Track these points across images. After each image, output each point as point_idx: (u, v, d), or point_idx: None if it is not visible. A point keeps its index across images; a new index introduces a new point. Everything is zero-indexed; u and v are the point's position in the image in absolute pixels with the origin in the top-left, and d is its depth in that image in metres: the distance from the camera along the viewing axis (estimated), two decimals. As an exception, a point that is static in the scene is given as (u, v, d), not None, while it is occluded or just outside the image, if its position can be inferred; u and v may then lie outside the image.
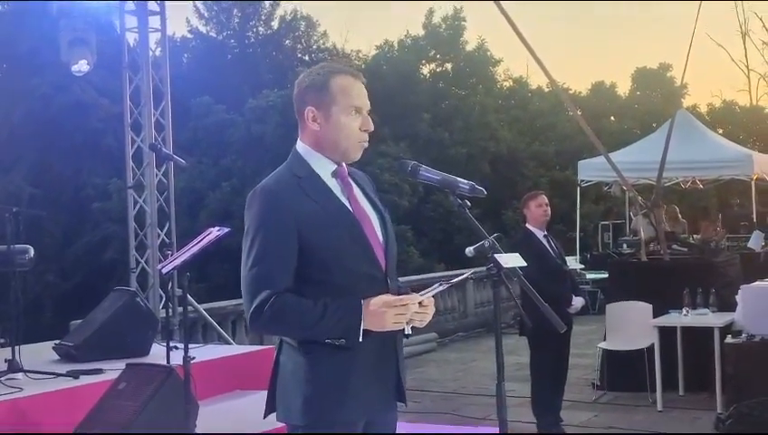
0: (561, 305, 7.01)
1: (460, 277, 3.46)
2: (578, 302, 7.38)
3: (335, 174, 2.99)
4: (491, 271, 2.86)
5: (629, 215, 17.59)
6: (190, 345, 5.31)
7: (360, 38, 63.84)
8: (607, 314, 9.33)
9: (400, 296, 2.86)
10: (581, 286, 11.11)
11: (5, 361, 5.99)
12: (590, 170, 15.94)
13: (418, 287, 2.96)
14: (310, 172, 2.95)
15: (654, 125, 25.11)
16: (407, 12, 60.72)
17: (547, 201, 7.43)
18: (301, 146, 3.01)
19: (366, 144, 3.00)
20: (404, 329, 2.92)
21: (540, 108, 32.88)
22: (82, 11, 8.85)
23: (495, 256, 2.86)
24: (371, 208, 3.03)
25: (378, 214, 3.04)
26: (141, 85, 9.29)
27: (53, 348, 6.95)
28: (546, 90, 33.37)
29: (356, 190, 3.02)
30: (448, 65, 33.84)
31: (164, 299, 9.19)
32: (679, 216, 15.30)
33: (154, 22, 9.47)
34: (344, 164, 3.01)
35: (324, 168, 2.98)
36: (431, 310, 2.92)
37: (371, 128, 2.99)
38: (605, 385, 9.17)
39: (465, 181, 2.94)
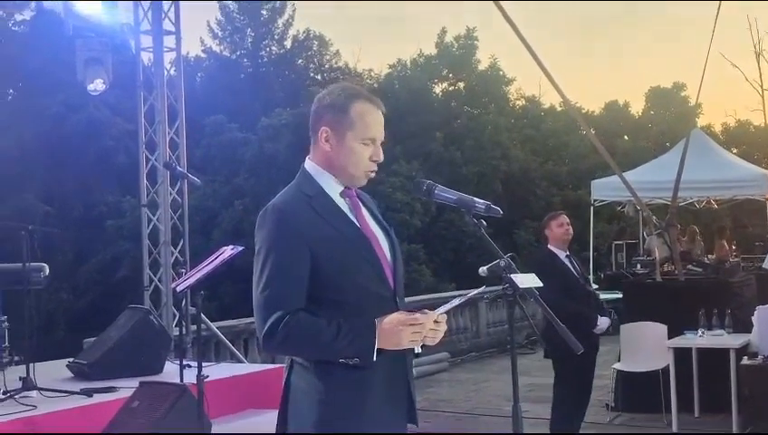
0: (586, 326, 6.97)
1: (475, 292, 3.43)
2: (603, 322, 7.30)
3: (344, 194, 2.98)
4: (506, 291, 2.84)
5: (643, 235, 17.52)
6: (203, 364, 5.31)
7: (372, 57, 64.07)
8: (621, 334, 9.28)
9: (415, 315, 2.85)
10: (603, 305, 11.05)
11: (20, 378, 5.99)
12: (604, 190, 15.87)
13: (427, 306, 2.93)
14: (319, 191, 2.94)
15: (668, 144, 25.08)
16: (419, 31, 60.97)
17: (568, 221, 7.38)
18: (310, 164, 3.00)
19: (373, 174, 2.99)
20: (414, 347, 2.90)
21: (552, 127, 32.88)
22: (98, 31, 8.90)
23: (511, 276, 2.84)
24: (379, 228, 3.02)
25: (385, 234, 3.03)
26: (156, 104, 9.34)
27: (67, 366, 6.95)
28: (559, 109, 33.40)
29: (364, 210, 3.02)
30: (461, 84, 33.92)
31: (177, 317, 9.19)
32: (698, 236, 15.22)
33: (169, 41, 9.52)
34: None
35: (333, 187, 2.96)
36: (443, 327, 2.89)
37: (381, 159, 2.97)
38: (620, 406, 9.11)
39: (482, 201, 2.92)
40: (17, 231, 6.06)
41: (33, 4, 32.96)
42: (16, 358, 7.62)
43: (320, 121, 2.96)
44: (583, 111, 34.30)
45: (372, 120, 2.94)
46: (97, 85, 8.94)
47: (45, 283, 6.34)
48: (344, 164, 2.93)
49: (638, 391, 8.89)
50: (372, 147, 2.94)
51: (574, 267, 7.34)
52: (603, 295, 15.63)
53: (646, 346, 8.87)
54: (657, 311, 9.12)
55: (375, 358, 2.78)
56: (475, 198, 2.93)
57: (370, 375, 2.82)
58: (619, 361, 9.16)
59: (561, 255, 7.31)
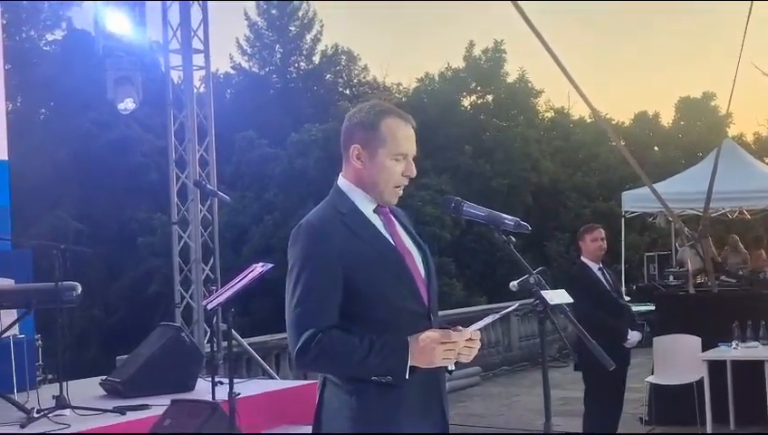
0: (617, 340, 6.93)
1: (508, 309, 3.41)
2: (634, 336, 7.27)
3: (377, 210, 2.97)
4: (537, 308, 2.83)
5: (675, 245, 17.39)
6: (234, 380, 5.32)
7: (400, 71, 64.12)
8: (654, 347, 9.21)
9: (448, 332, 2.84)
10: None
11: (53, 397, 6.04)
12: (635, 201, 15.78)
13: (459, 321, 2.93)
14: (352, 208, 2.93)
15: (699, 155, 24.86)
16: (447, 44, 61.01)
17: (603, 235, 7.35)
18: (343, 182, 3.00)
19: (401, 191, 2.98)
20: (447, 364, 2.89)
21: (582, 139, 32.73)
22: (128, 50, 8.98)
23: (542, 292, 2.83)
24: (413, 244, 3.01)
25: (419, 249, 3.02)
26: (186, 122, 9.40)
27: (100, 384, 7.00)
28: (588, 120, 33.24)
29: (397, 226, 3.01)
30: (489, 97, 33.86)
31: (208, 334, 9.22)
32: (740, 245, 15.08)
33: (198, 60, 9.58)
34: None
35: (366, 204, 2.96)
36: (477, 344, 2.88)
37: (413, 174, 2.97)
38: (653, 420, 9.03)
39: (510, 217, 2.91)
40: (50, 250, 6.12)
41: (63, 24, 33.53)
42: (50, 376, 7.70)
43: (351, 139, 2.96)
44: (613, 123, 34.12)
45: (403, 136, 2.94)
46: (127, 104, 9.02)
47: (78, 301, 6.37)
48: (376, 181, 2.93)
49: (672, 404, 8.81)
50: (404, 162, 2.94)
51: (607, 280, 7.31)
52: (636, 308, 15.53)
53: (679, 359, 8.80)
54: (690, 323, 9.04)
55: (408, 376, 2.78)
56: (504, 215, 2.92)
57: (403, 393, 2.81)
58: (652, 374, 9.09)
59: (594, 267, 7.28)
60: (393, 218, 3.01)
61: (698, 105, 37.00)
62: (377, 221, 2.95)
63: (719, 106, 35.39)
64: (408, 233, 3.04)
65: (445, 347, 2.78)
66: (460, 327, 2.87)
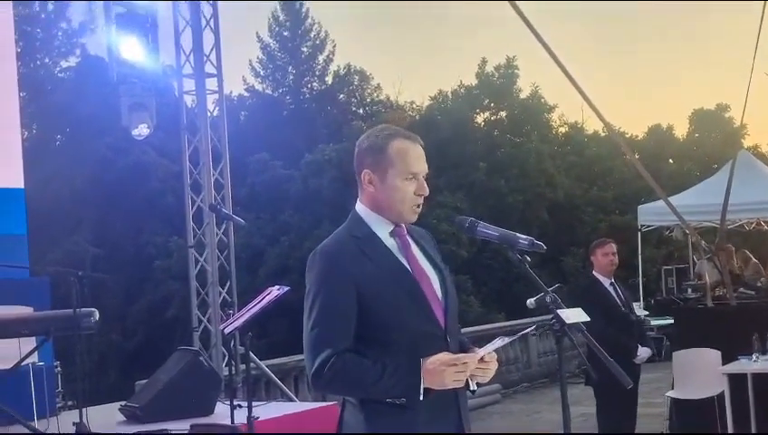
0: (625, 356, 6.90)
1: (522, 332, 3.42)
2: (644, 352, 7.24)
3: (393, 233, 3.00)
4: (554, 326, 2.84)
5: (693, 258, 17.31)
6: (253, 403, 5.33)
7: (413, 89, 64.30)
8: (674, 361, 9.15)
9: (458, 355, 2.86)
10: (647, 333, 10.93)
11: (73, 424, 6.03)
12: (651, 215, 15.74)
13: (476, 338, 2.95)
14: (368, 232, 2.97)
15: (714, 166, 24.78)
16: (459, 62, 61.20)
17: (615, 250, 7.33)
18: (360, 207, 3.04)
19: (419, 208, 3.01)
20: (469, 385, 2.92)
21: (597, 153, 32.66)
22: (141, 76, 9.04)
23: (558, 311, 2.83)
24: (430, 267, 3.04)
25: (437, 272, 3.04)
26: (200, 146, 9.44)
27: (120, 410, 6.99)
28: (602, 134, 33.21)
29: (414, 249, 3.03)
30: (503, 113, 33.87)
31: (226, 357, 9.23)
32: (752, 258, 14.97)
33: (211, 84, 9.65)
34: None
35: (383, 228, 3.00)
36: (494, 365, 2.92)
37: (426, 192, 3.00)
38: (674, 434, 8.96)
39: (525, 236, 2.92)
40: (67, 277, 6.14)
41: (78, 50, 33.80)
42: (69, 403, 7.70)
43: (361, 165, 3.01)
44: (627, 136, 34.02)
45: (411, 156, 2.97)
46: (141, 130, 9.08)
47: (96, 327, 6.38)
48: (390, 202, 2.96)
49: (693, 419, 8.74)
50: (415, 182, 2.97)
51: (618, 295, 7.28)
52: (654, 321, 15.56)
53: (699, 373, 8.74)
54: (709, 336, 8.98)
55: (422, 397, 2.79)
56: (518, 234, 2.93)
57: (418, 414, 2.84)
58: (672, 388, 9.03)
59: (606, 282, 7.27)
60: (411, 241, 3.04)
61: (712, 117, 36.88)
62: (392, 245, 2.99)
63: (733, 117, 35.29)
64: (427, 255, 3.06)
65: (454, 369, 2.81)
66: (475, 348, 2.89)
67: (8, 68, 8.09)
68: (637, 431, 7.65)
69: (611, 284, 7.30)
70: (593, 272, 7.40)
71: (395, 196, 2.96)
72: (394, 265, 2.95)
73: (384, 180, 2.96)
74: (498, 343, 2.98)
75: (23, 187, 8.30)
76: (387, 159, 2.96)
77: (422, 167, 3.00)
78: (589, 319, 2.94)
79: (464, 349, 2.99)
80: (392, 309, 2.87)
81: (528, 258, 2.91)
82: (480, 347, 2.97)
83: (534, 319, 12.92)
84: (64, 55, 34.45)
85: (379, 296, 2.87)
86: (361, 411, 2.89)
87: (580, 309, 2.96)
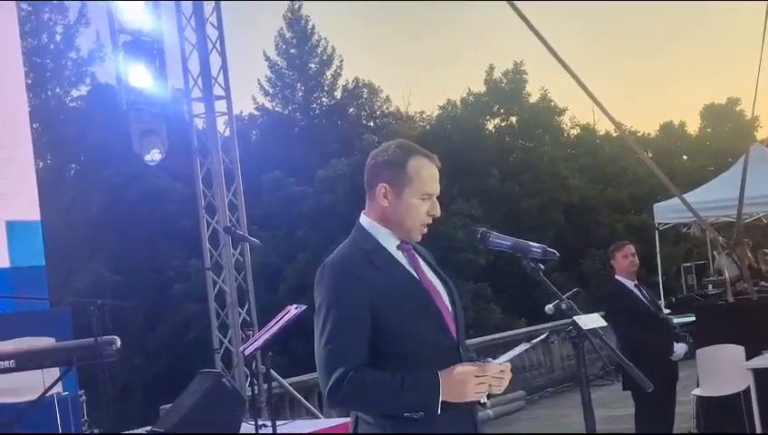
0: (662, 355, 6.86)
1: (539, 338, 3.40)
2: (680, 348, 7.17)
3: (400, 247, 2.99)
4: (571, 333, 2.83)
5: (712, 254, 17.21)
6: (278, 422, 5.34)
7: (422, 100, 64.44)
8: (698, 359, 9.09)
9: (483, 365, 2.85)
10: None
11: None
12: (667, 212, 15.67)
13: (495, 347, 2.94)
14: (376, 245, 2.95)
15: (729, 160, 24.71)
16: (467, 69, 61.21)
17: (634, 251, 7.28)
18: (365, 220, 3.02)
19: (426, 230, 2.99)
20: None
21: (609, 153, 32.63)
22: (150, 102, 9.08)
23: (575, 317, 2.82)
24: (437, 279, 3.03)
25: (444, 284, 3.03)
26: (212, 168, 9.47)
27: (145, 435, 7.03)
28: (614, 134, 33.19)
29: (421, 262, 3.03)
30: (513, 119, 33.89)
31: (249, 377, 9.24)
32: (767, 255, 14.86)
33: (220, 106, 9.68)
34: None
35: (389, 241, 2.98)
36: (508, 375, 2.88)
37: (438, 214, 2.99)
38: (702, 433, 8.91)
39: (537, 245, 2.91)
40: (87, 307, 6.18)
41: (88, 79, 34.02)
42: (96, 430, 7.73)
43: (377, 178, 2.98)
44: (639, 135, 34.01)
45: (428, 176, 2.96)
46: (153, 155, 9.11)
47: (118, 355, 6.41)
48: (402, 219, 2.95)
49: (721, 416, 8.68)
50: (429, 202, 2.96)
51: (644, 296, 7.24)
52: (676, 320, 15.39)
53: (724, 369, 8.67)
54: (732, 332, 8.91)
55: (439, 411, 2.78)
56: (531, 243, 2.92)
57: (435, 428, 2.81)
58: (697, 386, 8.98)
59: (630, 284, 7.21)
60: (416, 254, 3.03)
61: (724, 111, 36.82)
62: (401, 258, 2.97)
63: (745, 110, 35.22)
64: (432, 269, 3.05)
65: (476, 380, 2.79)
66: (490, 359, 2.89)
67: (18, 92, 8.23)
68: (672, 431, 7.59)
69: (636, 285, 7.25)
70: (616, 276, 7.33)
71: (408, 213, 2.94)
72: (405, 277, 2.93)
73: (400, 196, 2.94)
74: (517, 350, 2.97)
75: (39, 219, 8.36)
76: (405, 175, 2.94)
77: (437, 188, 2.98)
78: (606, 324, 2.93)
79: (472, 361, 2.95)
80: (406, 321, 2.85)
81: (542, 266, 2.90)
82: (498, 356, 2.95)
83: (556, 323, 12.89)
84: (75, 84, 34.71)
85: (392, 308, 2.84)
86: (377, 427, 2.85)
87: (597, 314, 2.95)
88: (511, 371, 2.89)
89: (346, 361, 2.79)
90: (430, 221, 2.99)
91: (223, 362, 9.36)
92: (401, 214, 2.95)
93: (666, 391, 6.66)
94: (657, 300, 8.16)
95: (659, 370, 6.42)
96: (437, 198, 2.99)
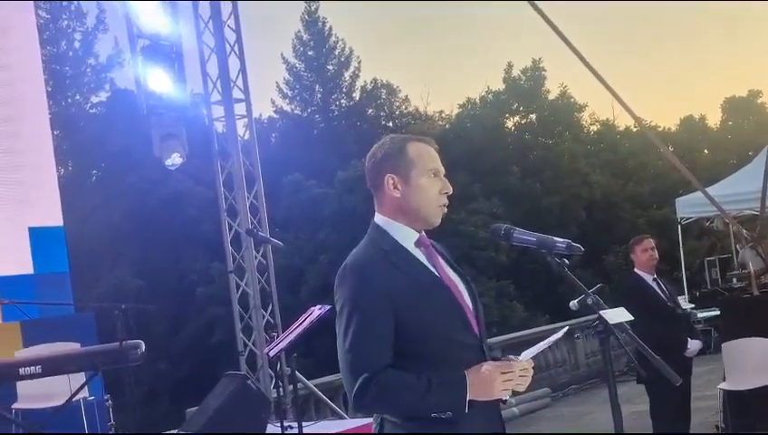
0: (676, 351, 6.83)
1: (560, 332, 3.33)
2: (694, 345, 7.15)
3: (418, 243, 2.96)
4: (597, 328, 2.81)
5: (736, 247, 17.10)
6: (304, 423, 5.34)
7: (441, 99, 64.40)
8: (723, 353, 9.03)
9: (509, 362, 2.83)
10: (695, 326, 10.81)
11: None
12: (689, 207, 15.60)
13: (519, 344, 2.92)
14: (394, 244, 2.92)
15: (750, 153, 24.55)
16: (485, 68, 61.10)
17: (653, 245, 7.25)
18: (380, 218, 3.00)
19: (445, 209, 2.97)
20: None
21: (630, 148, 32.48)
22: (170, 106, 9.10)
23: (601, 312, 2.80)
24: (457, 276, 2.99)
25: (464, 281, 3.00)
26: (233, 171, 9.49)
27: (171, 438, 7.05)
28: (635, 129, 33.03)
29: (440, 259, 3.00)
30: (532, 116, 33.78)
31: (274, 378, 9.25)
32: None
33: (239, 109, 9.69)
34: (424, 232, 2.99)
35: (407, 238, 2.94)
36: (530, 372, 2.86)
37: (450, 190, 2.97)
38: (730, 427, 8.84)
39: (562, 240, 2.89)
40: (111, 311, 6.21)
41: (107, 85, 34.20)
42: (123, 434, 7.77)
43: (381, 173, 2.97)
44: (659, 129, 33.84)
45: (429, 154, 2.96)
46: (174, 159, 9.14)
47: (142, 359, 6.44)
48: (417, 205, 2.92)
49: (748, 410, 8.62)
50: (439, 180, 2.94)
51: (662, 290, 7.20)
52: (701, 314, 15.35)
53: (750, 363, 8.61)
54: (757, 325, 8.85)
55: (467, 410, 2.76)
56: (555, 238, 2.90)
57: (462, 428, 2.79)
58: (724, 380, 8.92)
59: (649, 278, 7.18)
60: (435, 251, 3.00)
61: (745, 104, 36.59)
62: (420, 255, 2.94)
63: (766, 103, 34.96)
64: (451, 266, 3.02)
65: (503, 378, 2.77)
66: (512, 356, 2.86)
67: (39, 100, 8.26)
68: (692, 426, 7.55)
69: (654, 279, 7.21)
70: (635, 270, 7.31)
71: (421, 196, 2.91)
72: (426, 276, 2.90)
73: (408, 181, 2.92)
74: (541, 345, 2.95)
75: (62, 224, 8.40)
76: (408, 159, 2.93)
77: (440, 165, 2.97)
78: (632, 318, 2.90)
79: (494, 359, 2.93)
80: (429, 320, 2.82)
81: (567, 261, 2.88)
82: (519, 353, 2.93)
83: (580, 320, 12.84)
84: (94, 91, 34.89)
85: (415, 309, 2.81)
86: (402, 428, 2.82)
87: (622, 308, 2.93)
88: (533, 368, 2.88)
89: (370, 365, 2.76)
90: (446, 201, 2.96)
91: (247, 364, 9.38)
92: (415, 199, 2.92)
93: (680, 388, 6.61)
94: (678, 295, 8.10)
95: (674, 364, 6.39)
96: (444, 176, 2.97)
